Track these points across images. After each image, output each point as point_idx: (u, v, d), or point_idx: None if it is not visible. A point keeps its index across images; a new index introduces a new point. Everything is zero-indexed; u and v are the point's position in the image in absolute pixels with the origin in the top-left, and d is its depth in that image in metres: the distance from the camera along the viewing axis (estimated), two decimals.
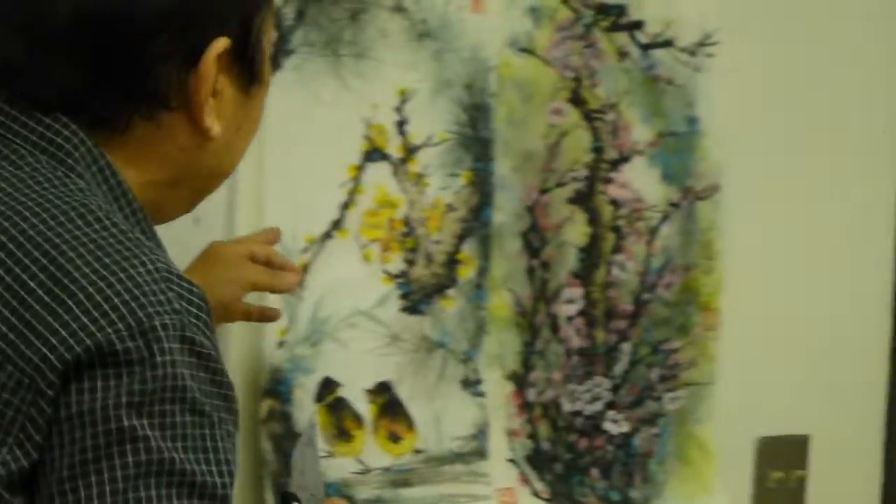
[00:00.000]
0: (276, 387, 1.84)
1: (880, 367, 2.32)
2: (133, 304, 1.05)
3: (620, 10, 2.08)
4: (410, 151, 1.93)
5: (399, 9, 1.90)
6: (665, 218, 2.14)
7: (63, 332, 1.03)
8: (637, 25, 2.09)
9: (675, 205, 2.15)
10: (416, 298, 1.96)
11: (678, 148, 2.15)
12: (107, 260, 1.06)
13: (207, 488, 1.06)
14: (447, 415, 1.99)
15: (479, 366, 2.01)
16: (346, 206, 1.89)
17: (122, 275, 1.06)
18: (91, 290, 1.05)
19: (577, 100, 2.06)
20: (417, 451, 1.96)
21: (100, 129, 1.14)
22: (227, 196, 1.80)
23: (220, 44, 1.18)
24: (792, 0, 2.25)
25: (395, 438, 1.94)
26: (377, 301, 1.93)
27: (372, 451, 1.92)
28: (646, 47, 2.11)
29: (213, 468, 1.06)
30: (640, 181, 2.12)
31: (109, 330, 1.04)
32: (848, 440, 2.30)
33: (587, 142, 2.07)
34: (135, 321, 1.04)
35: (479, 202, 2.00)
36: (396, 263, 1.94)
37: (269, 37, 1.26)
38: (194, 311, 1.09)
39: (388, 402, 1.94)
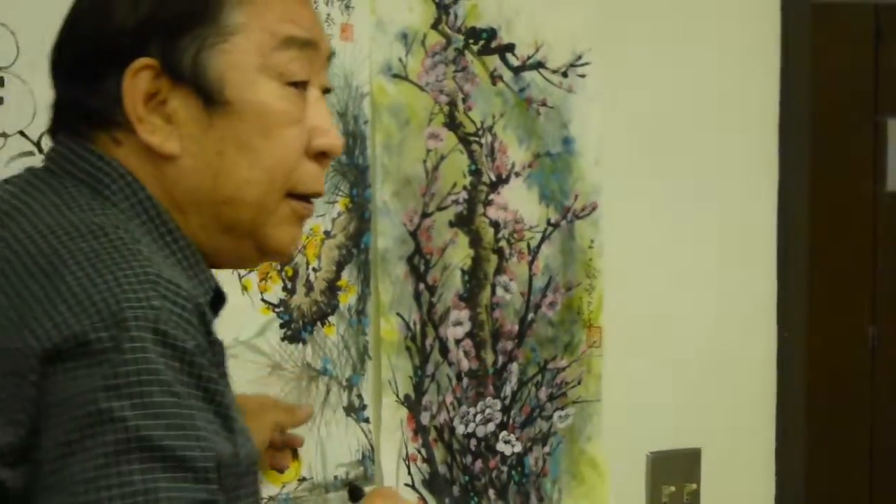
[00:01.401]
0: None
1: (768, 377, 2.32)
2: (110, 300, 1.12)
3: (491, 34, 2.08)
4: None
5: None
6: (545, 238, 2.14)
7: (46, 324, 1.12)
8: (508, 48, 2.09)
9: (554, 224, 2.15)
10: (297, 327, 1.94)
11: (554, 168, 2.15)
12: (99, 265, 1.14)
13: (186, 461, 1.11)
14: (331, 441, 1.96)
15: (364, 391, 1.99)
16: None
17: (108, 276, 1.14)
18: (77, 288, 1.13)
19: (452, 124, 2.06)
20: (302, 480, 1.93)
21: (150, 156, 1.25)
22: None
23: (136, 63, 1.26)
24: (661, 18, 2.27)
25: (280, 468, 1.89)
26: (257, 331, 1.90)
27: None
28: (518, 70, 2.11)
29: (193, 443, 1.12)
30: (519, 202, 2.11)
31: (86, 322, 1.11)
32: (739, 451, 2.30)
33: (465, 165, 2.07)
34: (108, 313, 1.11)
35: (357, 228, 1.99)
36: (276, 292, 1.91)
37: (238, 59, 1.29)
38: (177, 310, 1.14)
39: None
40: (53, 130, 1.31)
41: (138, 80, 1.25)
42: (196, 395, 1.14)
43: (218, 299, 1.33)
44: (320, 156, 1.34)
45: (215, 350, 1.20)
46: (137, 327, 1.12)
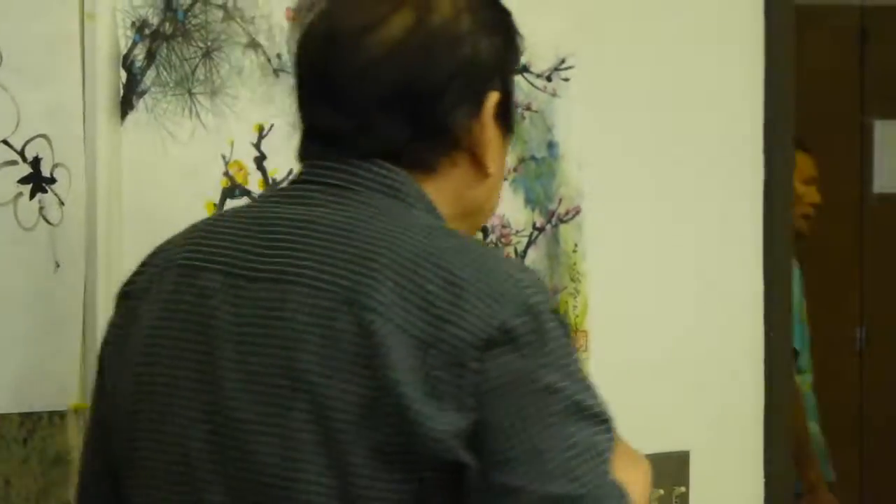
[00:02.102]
0: None
1: (756, 380, 2.34)
2: (516, 291, 1.33)
3: None
4: (271, 186, 1.90)
5: (253, 45, 1.89)
6: (531, 242, 2.15)
7: (471, 320, 1.31)
8: None
9: (539, 229, 2.16)
10: None
11: (539, 173, 2.16)
12: (488, 261, 1.35)
13: (603, 415, 1.35)
14: None
15: None
16: None
17: (500, 270, 1.35)
18: (479, 285, 1.32)
19: None
20: None
21: (416, 172, 1.40)
22: (86, 240, 1.80)
23: (494, 97, 1.45)
24: (645, 21, 2.28)
25: None
26: None
27: None
28: None
29: (599, 400, 1.35)
30: (505, 206, 2.11)
31: (506, 313, 1.31)
32: (728, 454, 2.31)
33: None
34: (521, 303, 1.32)
35: None
36: None
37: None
38: (544, 289, 1.39)
39: None
40: (319, 153, 1.44)
41: (490, 109, 1.46)
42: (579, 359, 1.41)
43: None
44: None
45: None
46: (544, 311, 1.34)
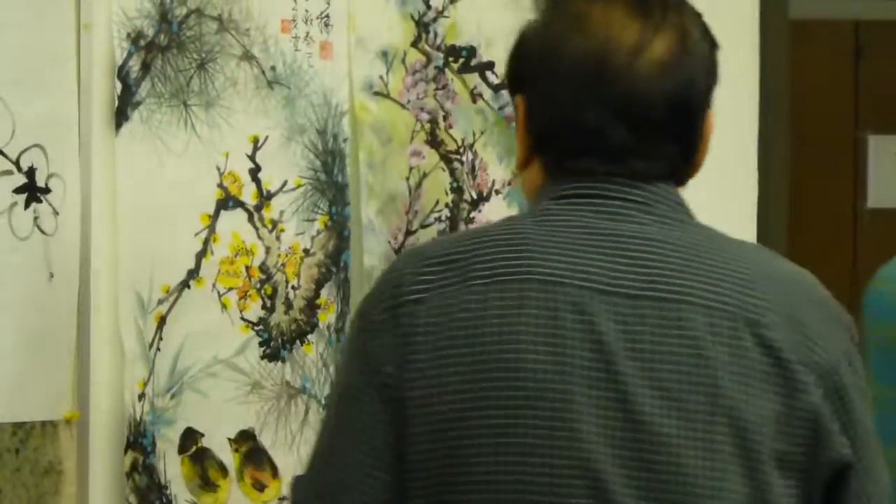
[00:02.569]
0: (138, 439, 1.82)
1: None
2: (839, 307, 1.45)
3: (470, 52, 2.12)
4: (265, 198, 1.93)
5: (247, 57, 1.91)
6: None
7: (831, 343, 1.39)
8: (488, 66, 2.12)
9: None
10: (276, 345, 1.95)
11: None
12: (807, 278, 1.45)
13: None
14: None
15: None
16: (201, 254, 1.87)
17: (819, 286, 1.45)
18: (833, 310, 1.42)
19: (434, 141, 2.09)
20: (283, 499, 1.94)
21: (678, 187, 1.46)
22: (81, 250, 1.80)
23: (711, 113, 1.51)
24: None
25: (260, 487, 1.92)
26: (237, 349, 1.91)
27: (237, 499, 1.90)
28: (497, 87, 2.13)
29: None
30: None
31: (846, 337, 1.42)
32: None
33: (447, 182, 2.10)
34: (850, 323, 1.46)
35: (336, 246, 2.01)
36: (255, 311, 1.93)
37: None
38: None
39: (252, 450, 1.92)
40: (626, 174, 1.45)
41: (711, 125, 1.52)
42: None
43: None
44: None
45: None
46: None
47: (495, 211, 2.12)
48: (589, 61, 1.44)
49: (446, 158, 2.10)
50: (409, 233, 2.06)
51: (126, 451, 1.82)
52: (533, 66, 1.48)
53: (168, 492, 1.85)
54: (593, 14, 1.45)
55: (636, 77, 1.43)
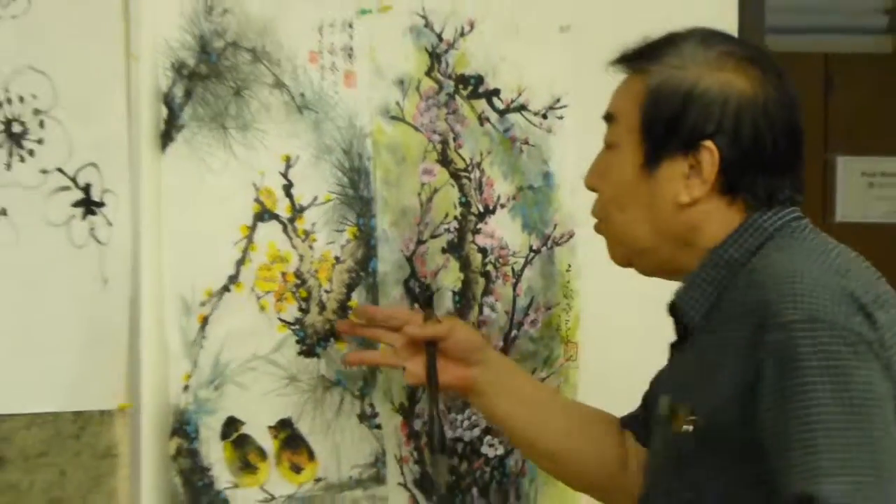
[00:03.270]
0: (183, 427, 1.83)
1: None
2: None
3: (478, 80, 2.09)
4: (298, 211, 1.92)
5: (279, 84, 1.89)
6: (527, 263, 2.13)
7: None
8: (494, 93, 2.10)
9: (535, 251, 2.14)
10: (312, 342, 1.93)
11: (536, 200, 2.14)
12: None
13: None
14: (346, 446, 1.96)
15: (375, 401, 1.99)
16: (240, 262, 1.87)
17: None
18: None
19: (444, 160, 2.06)
20: (318, 480, 1.93)
21: None
22: (132, 258, 1.80)
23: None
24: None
25: (296, 469, 1.91)
26: (274, 346, 1.90)
27: (276, 480, 1.89)
28: (502, 112, 2.11)
29: None
30: (504, 230, 2.11)
31: None
32: None
33: (455, 197, 2.07)
34: None
35: (364, 254, 1.99)
36: (291, 312, 1.91)
37: None
38: None
39: (290, 437, 1.91)
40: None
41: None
42: None
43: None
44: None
45: None
46: None
47: (500, 223, 2.10)
48: (796, 113, 1.70)
49: (455, 176, 2.07)
50: (419, 242, 2.04)
51: (171, 438, 1.81)
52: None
53: (210, 473, 1.85)
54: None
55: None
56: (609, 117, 1.75)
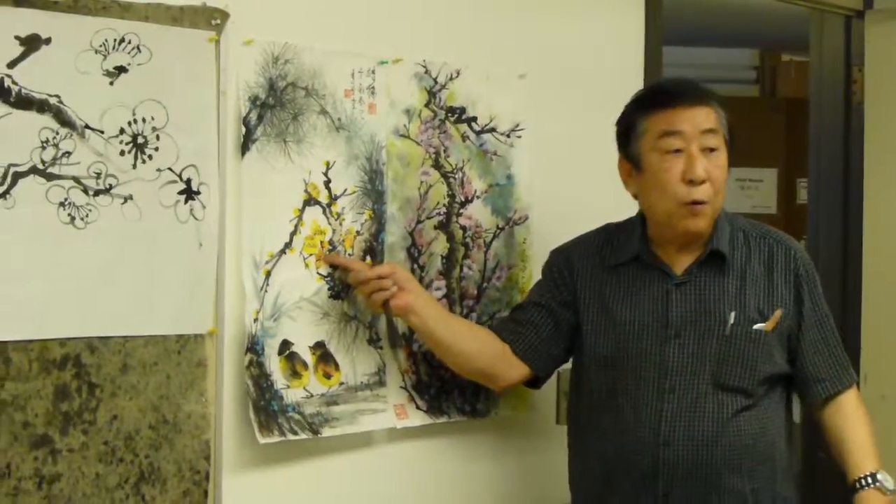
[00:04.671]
0: (253, 346, 1.90)
1: None
2: None
3: (462, 110, 2.17)
4: (333, 199, 1.99)
5: (323, 112, 1.97)
6: (495, 237, 2.23)
7: None
8: (473, 119, 2.20)
9: (501, 228, 2.22)
10: (338, 289, 2.01)
11: (501, 193, 2.24)
12: None
13: None
14: (360, 360, 2.04)
15: (379, 331, 2.05)
16: (293, 233, 1.95)
17: None
18: None
19: (437, 165, 2.14)
20: (342, 383, 2.02)
21: None
22: (219, 230, 1.86)
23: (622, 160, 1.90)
24: (573, 97, 2.32)
25: (328, 376, 2.01)
26: (314, 292, 1.98)
27: (314, 383, 1.98)
28: (479, 132, 2.21)
29: None
30: (479, 215, 2.20)
31: None
32: None
33: (445, 191, 2.15)
34: None
35: (377, 229, 2.05)
36: (325, 269, 2.00)
37: (643, 145, 1.92)
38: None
39: (323, 354, 2.00)
40: None
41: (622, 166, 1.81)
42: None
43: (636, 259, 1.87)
44: (689, 182, 1.90)
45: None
46: None
47: (476, 209, 2.18)
48: None
49: (445, 176, 2.16)
50: (418, 222, 2.09)
51: (245, 354, 1.88)
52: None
53: (271, 378, 1.92)
54: None
55: None
56: (712, 131, 1.91)
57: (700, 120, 1.86)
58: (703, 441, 1.84)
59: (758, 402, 1.83)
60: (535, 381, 2.04)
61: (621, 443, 1.88)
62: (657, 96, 1.89)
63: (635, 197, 1.90)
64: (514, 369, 1.98)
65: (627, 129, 1.90)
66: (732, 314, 1.85)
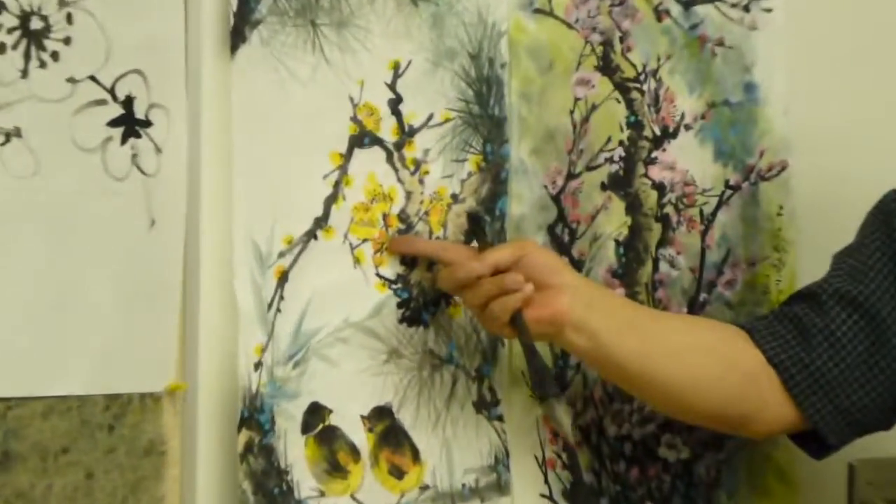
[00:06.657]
0: (254, 415, 1.73)
1: None
2: None
3: None
4: (407, 134, 1.86)
5: None
6: (722, 203, 2.12)
7: None
8: None
9: (733, 187, 2.13)
10: (417, 306, 1.88)
11: (734, 120, 2.13)
12: None
13: None
14: (458, 443, 1.91)
15: (496, 384, 1.95)
16: (331, 200, 1.79)
17: None
18: None
19: (607, 68, 2.03)
20: (424, 488, 1.87)
21: None
22: (188, 194, 1.72)
23: None
24: None
25: (398, 473, 1.85)
26: (371, 311, 1.83)
27: (371, 488, 1.82)
28: (688, 3, 2.10)
29: None
30: (689, 161, 2.09)
31: None
32: None
33: (622, 116, 2.04)
34: None
35: (491, 191, 1.94)
36: (393, 266, 1.86)
37: None
38: None
39: (389, 430, 1.85)
40: None
41: None
42: None
43: None
44: None
45: None
46: None
47: (684, 150, 2.09)
48: None
49: (622, 88, 2.04)
50: (570, 176, 2.01)
51: (240, 430, 1.71)
52: None
53: (289, 477, 1.76)
54: None
55: None
56: None
57: None
58: None
59: None
60: (813, 439, 1.96)
61: None
62: None
63: None
64: (777, 406, 1.93)
65: None
66: None
